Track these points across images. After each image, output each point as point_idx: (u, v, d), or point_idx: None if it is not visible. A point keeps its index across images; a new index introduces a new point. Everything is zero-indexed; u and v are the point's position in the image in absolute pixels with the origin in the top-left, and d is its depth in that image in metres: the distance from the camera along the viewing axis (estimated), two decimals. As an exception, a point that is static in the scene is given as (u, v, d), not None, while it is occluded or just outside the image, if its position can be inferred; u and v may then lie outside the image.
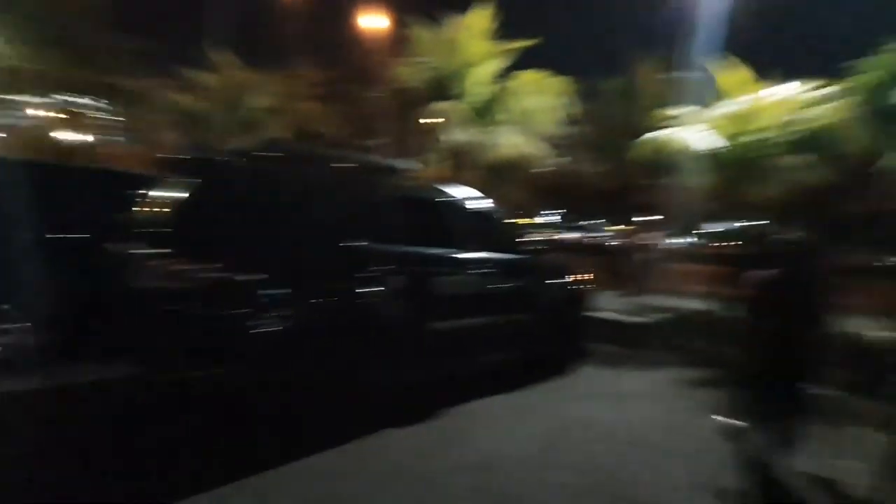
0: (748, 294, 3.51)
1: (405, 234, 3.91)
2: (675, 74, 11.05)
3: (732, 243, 9.34)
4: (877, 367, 2.79)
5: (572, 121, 11.30)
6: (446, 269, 4.11)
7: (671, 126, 9.42)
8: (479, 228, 4.57)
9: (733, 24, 8.80)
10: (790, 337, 3.24)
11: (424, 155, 8.78)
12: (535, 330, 4.98)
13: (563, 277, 5.57)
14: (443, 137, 8.55)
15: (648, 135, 9.72)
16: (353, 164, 4.34)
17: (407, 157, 5.86)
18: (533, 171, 10.81)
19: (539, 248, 5.42)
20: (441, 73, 8.80)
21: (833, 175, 8.63)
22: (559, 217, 26.65)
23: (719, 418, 3.48)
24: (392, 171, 4.48)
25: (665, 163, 10.31)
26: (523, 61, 9.09)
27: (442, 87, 8.79)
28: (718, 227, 11.16)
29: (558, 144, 11.10)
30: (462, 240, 4.34)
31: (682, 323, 7.30)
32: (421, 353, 3.84)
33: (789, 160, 8.60)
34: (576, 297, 5.66)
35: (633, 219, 16.63)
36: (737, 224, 9.48)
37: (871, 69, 7.78)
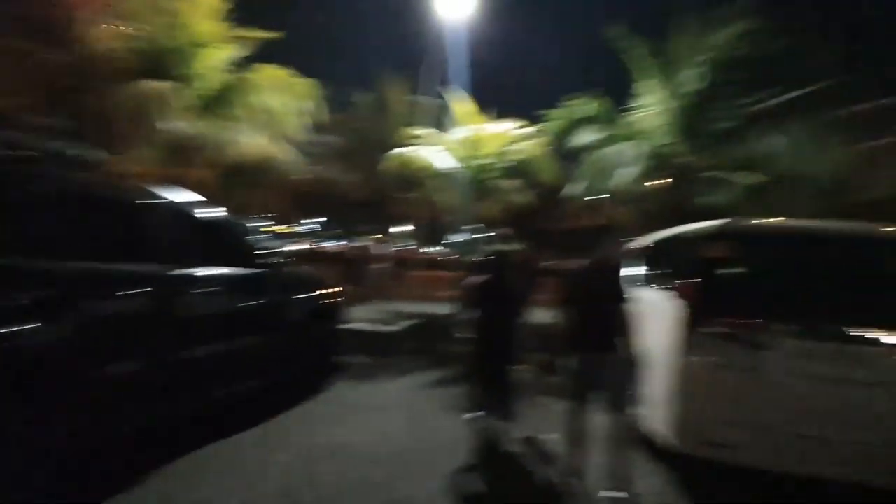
0: (468, 296, 4.00)
1: (87, 247, 2.93)
2: (419, 97, 12.17)
3: (466, 252, 10.70)
4: (556, 350, 3.44)
5: (321, 128, 11.01)
6: (149, 289, 3.24)
7: (415, 144, 10.25)
8: (202, 239, 3.81)
9: (469, 62, 10.11)
10: (502, 329, 3.82)
11: (133, 146, 6.98)
12: (280, 350, 4.50)
13: (312, 290, 5.24)
14: (161, 126, 6.93)
15: (396, 150, 10.36)
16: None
17: (104, 146, 4.53)
18: (281, 176, 10.04)
19: (284, 259, 4.95)
20: (157, 46, 7.12)
21: (534, 198, 10.82)
22: (314, 226, 26.13)
23: (460, 409, 3.90)
24: (71, 161, 3.34)
25: (412, 177, 11.20)
26: (264, 58, 8.15)
27: (158, 65, 7.14)
28: (457, 238, 12.60)
29: (307, 151, 10.68)
30: (176, 253, 3.52)
31: (427, 327, 7.90)
32: (106, 403, 2.92)
33: (504, 183, 10.40)
34: (326, 311, 5.39)
35: (385, 228, 17.57)
36: (471, 235, 10.90)
37: (556, 118, 10.04)
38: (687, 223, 4.25)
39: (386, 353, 6.60)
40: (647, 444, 3.56)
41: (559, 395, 3.48)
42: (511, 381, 3.96)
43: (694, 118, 8.74)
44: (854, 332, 2.88)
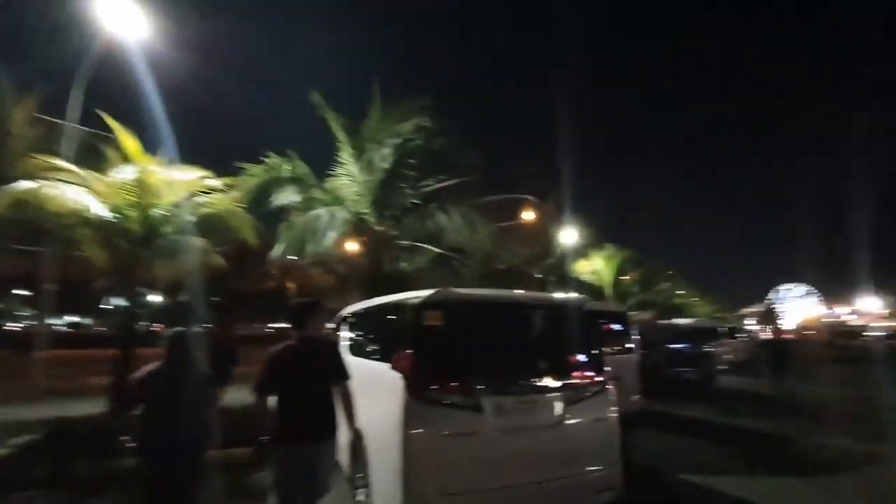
0: (137, 389, 2.95)
1: None
2: (62, 122, 9.25)
3: (128, 325, 8.32)
4: (262, 440, 2.83)
5: None
6: None
7: (53, 179, 7.57)
8: None
9: (142, 94, 8.38)
10: (185, 426, 2.87)
11: None
12: None
13: None
14: None
15: (15, 185, 7.36)
16: None
17: None
18: None
19: None
20: None
21: (228, 258, 9.57)
22: None
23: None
24: None
25: (43, 224, 8.16)
26: None
27: None
28: (115, 306, 9.82)
29: None
30: None
31: (60, 439, 5.52)
32: None
33: (186, 240, 8.78)
34: None
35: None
36: (137, 301, 8.60)
37: (254, 174, 9.35)
38: (387, 288, 4.36)
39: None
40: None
41: (269, 494, 2.85)
42: (202, 492, 3.00)
43: (384, 192, 9.69)
44: (534, 383, 3.45)
